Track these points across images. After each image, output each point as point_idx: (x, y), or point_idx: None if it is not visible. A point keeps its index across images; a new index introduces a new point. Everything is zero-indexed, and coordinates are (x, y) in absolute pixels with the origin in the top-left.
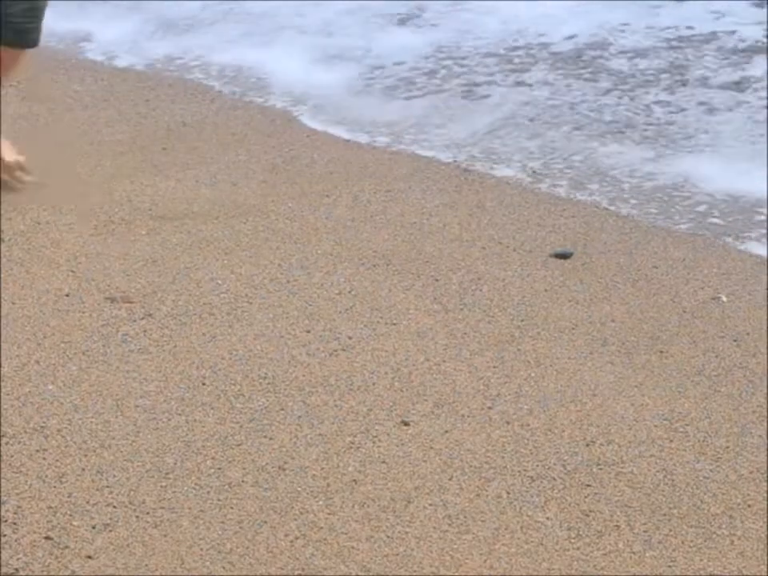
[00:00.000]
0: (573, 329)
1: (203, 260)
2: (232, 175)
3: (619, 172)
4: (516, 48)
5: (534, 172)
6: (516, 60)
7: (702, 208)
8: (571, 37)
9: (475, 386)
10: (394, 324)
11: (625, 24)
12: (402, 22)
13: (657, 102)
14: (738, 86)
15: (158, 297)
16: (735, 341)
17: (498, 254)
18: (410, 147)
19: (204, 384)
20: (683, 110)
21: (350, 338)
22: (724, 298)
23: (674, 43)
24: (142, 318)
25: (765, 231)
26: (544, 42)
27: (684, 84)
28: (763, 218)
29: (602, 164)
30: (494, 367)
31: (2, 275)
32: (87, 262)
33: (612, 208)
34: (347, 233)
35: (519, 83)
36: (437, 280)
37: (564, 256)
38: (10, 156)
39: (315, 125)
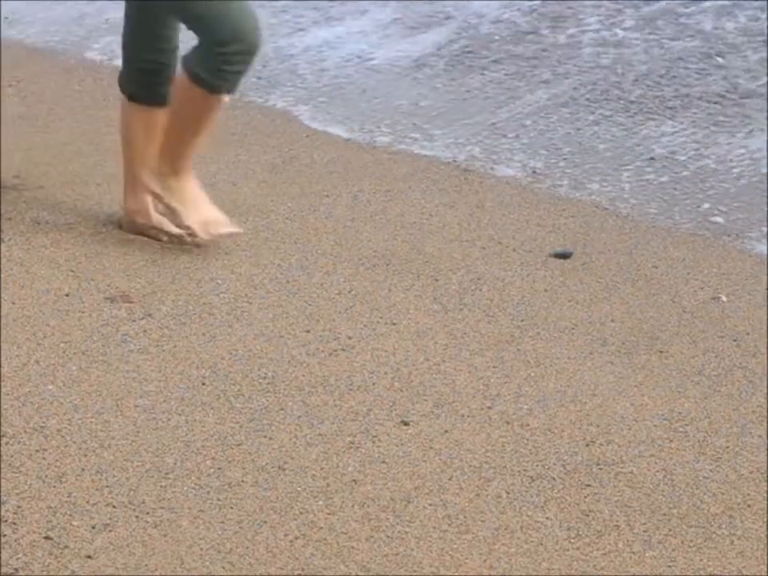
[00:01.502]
0: (573, 329)
1: (203, 260)
2: (232, 175)
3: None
4: (611, 8)
5: (534, 171)
6: (610, 18)
7: (704, 207)
8: None
9: (475, 385)
10: (394, 324)
11: None
12: None
13: (743, 70)
14: None
15: (157, 297)
16: (735, 341)
17: (497, 253)
18: (410, 147)
19: (204, 384)
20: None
21: (349, 338)
22: (724, 298)
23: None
24: (142, 318)
25: (765, 230)
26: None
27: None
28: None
29: (640, 148)
30: (494, 367)
31: (2, 275)
32: (87, 262)
33: (612, 208)
34: (347, 233)
35: (602, 44)
36: (437, 280)
37: (564, 256)
38: (174, 229)
39: (315, 125)
